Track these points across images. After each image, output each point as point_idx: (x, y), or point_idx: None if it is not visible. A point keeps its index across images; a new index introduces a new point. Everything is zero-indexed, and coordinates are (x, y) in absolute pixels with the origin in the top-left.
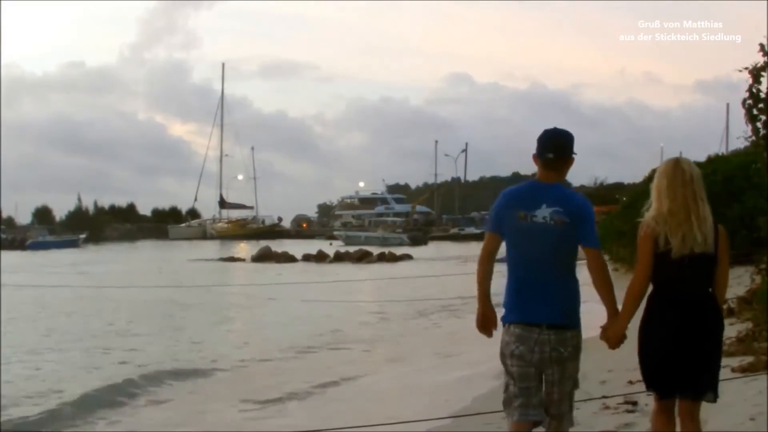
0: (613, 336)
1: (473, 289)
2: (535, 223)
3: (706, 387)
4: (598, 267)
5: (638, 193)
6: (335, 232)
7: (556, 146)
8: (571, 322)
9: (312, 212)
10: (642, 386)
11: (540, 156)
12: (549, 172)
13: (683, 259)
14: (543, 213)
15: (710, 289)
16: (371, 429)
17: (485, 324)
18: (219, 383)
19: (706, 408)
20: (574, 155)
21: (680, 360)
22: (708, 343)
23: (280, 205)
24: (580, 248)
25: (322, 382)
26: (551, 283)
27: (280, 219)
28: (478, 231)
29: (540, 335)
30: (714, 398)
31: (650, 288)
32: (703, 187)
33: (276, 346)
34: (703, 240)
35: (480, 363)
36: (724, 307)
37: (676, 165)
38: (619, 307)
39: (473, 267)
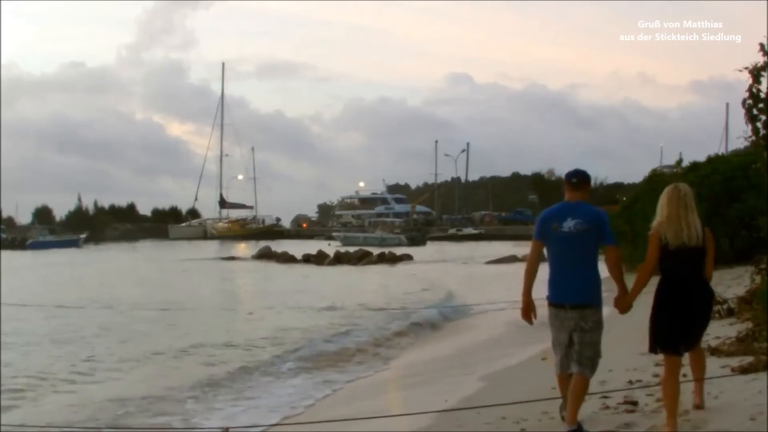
0: (624, 304)
1: None
2: (563, 231)
3: (697, 342)
4: (612, 259)
5: (638, 193)
6: (333, 233)
7: (578, 175)
8: (592, 301)
9: (312, 212)
10: (640, 385)
11: (568, 181)
12: (574, 193)
13: (678, 250)
14: (568, 224)
15: (701, 273)
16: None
17: (527, 313)
18: None
19: (706, 408)
20: (590, 185)
21: (681, 325)
22: (700, 312)
23: (280, 205)
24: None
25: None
26: (575, 274)
27: (278, 219)
28: (475, 231)
29: (566, 313)
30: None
31: (659, 276)
32: (693, 201)
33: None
34: (692, 237)
35: (472, 364)
36: (724, 306)
37: (675, 187)
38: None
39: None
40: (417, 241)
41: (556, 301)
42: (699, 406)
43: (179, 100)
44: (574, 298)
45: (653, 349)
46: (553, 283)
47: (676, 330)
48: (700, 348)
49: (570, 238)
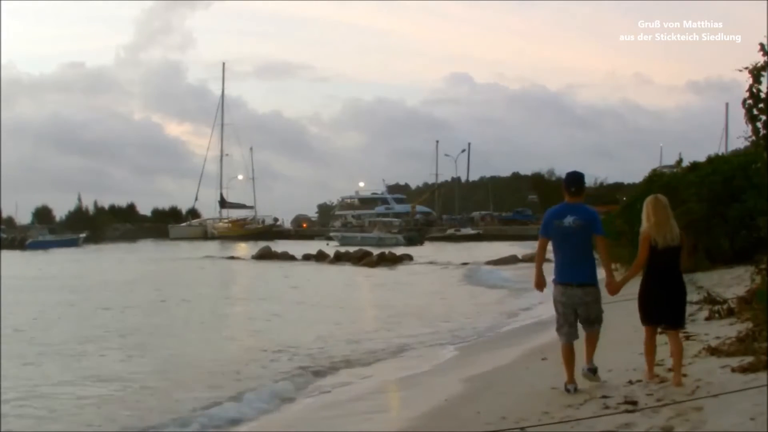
0: (615, 287)
1: None
2: (564, 226)
3: (681, 322)
4: (602, 247)
5: (639, 193)
6: (331, 233)
7: (575, 183)
8: (591, 281)
9: (312, 212)
10: (640, 386)
11: (567, 190)
12: (572, 198)
13: (665, 249)
14: (568, 220)
15: (679, 265)
16: None
17: (539, 284)
18: None
19: (706, 408)
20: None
21: (665, 305)
22: (679, 296)
23: (280, 205)
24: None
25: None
26: (577, 260)
27: (275, 219)
28: (473, 232)
29: (573, 290)
30: (683, 327)
31: (645, 269)
32: (670, 209)
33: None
34: (674, 238)
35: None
36: (724, 306)
37: (657, 198)
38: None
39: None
40: (414, 241)
41: (564, 281)
42: (678, 384)
43: (177, 100)
44: (579, 278)
45: (646, 322)
46: (561, 267)
47: (664, 308)
48: (679, 337)
49: (570, 230)
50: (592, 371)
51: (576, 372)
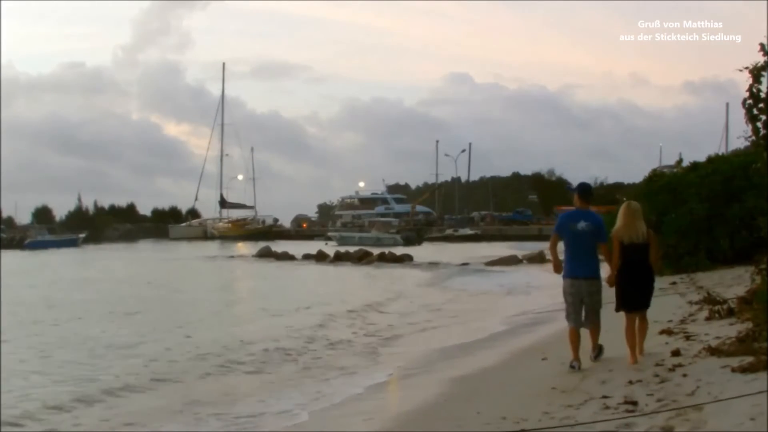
0: (610, 280)
1: None
2: (577, 229)
3: (646, 305)
4: (605, 252)
5: (638, 193)
6: (329, 233)
7: (588, 193)
8: (595, 275)
9: (312, 212)
10: (640, 385)
11: (581, 198)
12: (584, 204)
13: (631, 245)
14: (581, 224)
15: (647, 260)
16: None
17: (557, 268)
18: None
19: (706, 407)
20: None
21: (633, 292)
22: (647, 284)
23: (280, 205)
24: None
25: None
26: (584, 258)
27: (275, 220)
28: (471, 232)
29: (580, 282)
30: (647, 307)
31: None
32: (641, 212)
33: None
34: (639, 237)
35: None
36: (724, 306)
37: (628, 204)
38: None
39: None
40: (412, 240)
41: (573, 275)
42: (634, 361)
43: (175, 100)
44: (585, 272)
45: (619, 309)
46: (570, 263)
47: (633, 296)
48: (646, 318)
49: (582, 233)
50: (598, 352)
51: (584, 359)
